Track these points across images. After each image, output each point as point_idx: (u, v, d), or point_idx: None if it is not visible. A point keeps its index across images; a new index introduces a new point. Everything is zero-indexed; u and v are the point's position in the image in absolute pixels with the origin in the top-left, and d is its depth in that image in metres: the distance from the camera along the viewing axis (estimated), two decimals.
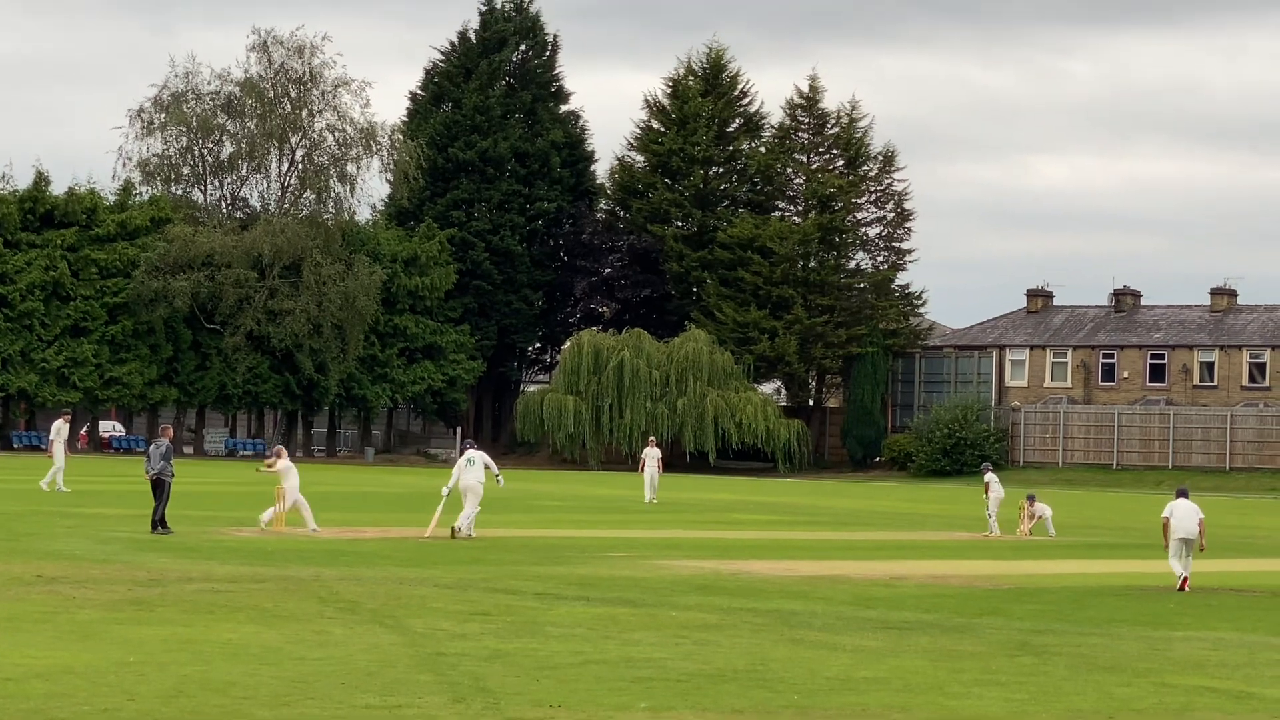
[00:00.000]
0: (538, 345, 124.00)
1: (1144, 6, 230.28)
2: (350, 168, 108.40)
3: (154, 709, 10.21)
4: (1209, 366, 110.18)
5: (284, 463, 38.94)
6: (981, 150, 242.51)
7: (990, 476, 48.13)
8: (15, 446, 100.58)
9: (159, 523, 35.79)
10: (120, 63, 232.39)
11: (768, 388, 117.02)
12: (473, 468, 37.42)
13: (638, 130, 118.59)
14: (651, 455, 62.46)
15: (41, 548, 30.59)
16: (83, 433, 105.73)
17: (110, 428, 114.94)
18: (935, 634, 21.22)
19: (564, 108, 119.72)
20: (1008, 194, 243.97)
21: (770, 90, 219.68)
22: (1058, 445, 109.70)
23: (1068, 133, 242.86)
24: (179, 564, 28.22)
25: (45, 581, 24.28)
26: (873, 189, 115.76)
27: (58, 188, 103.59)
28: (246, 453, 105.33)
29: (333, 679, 15.65)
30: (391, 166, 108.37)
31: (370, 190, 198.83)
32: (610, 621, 21.35)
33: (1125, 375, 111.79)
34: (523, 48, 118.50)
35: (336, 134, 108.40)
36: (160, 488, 36.06)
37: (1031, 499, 48.60)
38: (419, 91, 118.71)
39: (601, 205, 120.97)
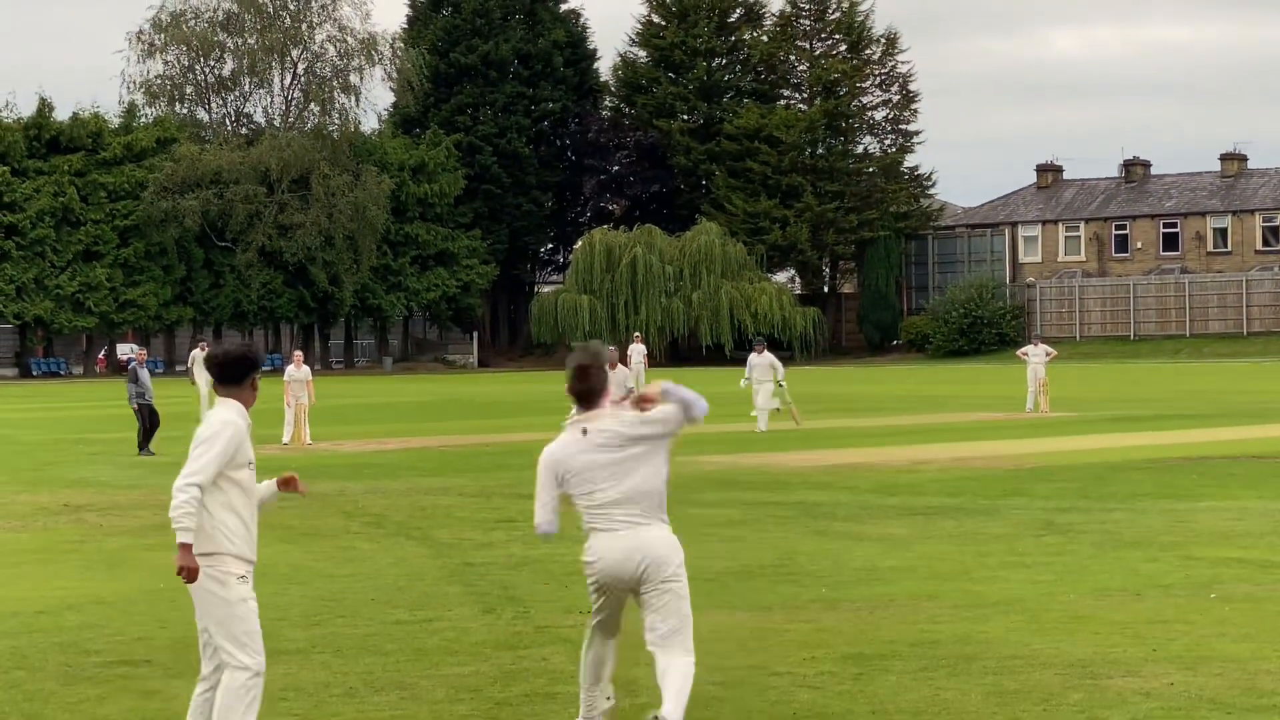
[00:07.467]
0: (549, 246, 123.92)
1: None
2: (353, 78, 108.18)
3: (186, 635, 10.26)
4: (1222, 233, 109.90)
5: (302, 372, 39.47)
6: (989, 22, 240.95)
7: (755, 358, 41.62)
8: (35, 374, 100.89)
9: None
10: None
11: (781, 277, 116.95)
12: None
13: (639, 25, 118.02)
14: (637, 351, 62.50)
15: (66, 476, 30.75)
16: (101, 356, 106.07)
17: (129, 350, 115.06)
18: (960, 518, 21.28)
19: (564, 6, 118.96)
20: (1016, 66, 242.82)
21: None
22: (1074, 319, 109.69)
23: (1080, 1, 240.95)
24: None
25: (71, 510, 24.39)
26: (877, 72, 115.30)
27: (61, 113, 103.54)
28: (265, 368, 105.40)
29: (362, 595, 15.73)
30: (394, 75, 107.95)
31: (375, 99, 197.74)
32: None
33: (1139, 246, 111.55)
34: None
35: (337, 45, 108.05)
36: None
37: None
38: None
39: (606, 103, 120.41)
